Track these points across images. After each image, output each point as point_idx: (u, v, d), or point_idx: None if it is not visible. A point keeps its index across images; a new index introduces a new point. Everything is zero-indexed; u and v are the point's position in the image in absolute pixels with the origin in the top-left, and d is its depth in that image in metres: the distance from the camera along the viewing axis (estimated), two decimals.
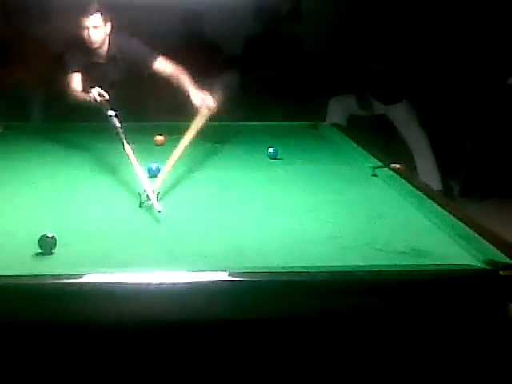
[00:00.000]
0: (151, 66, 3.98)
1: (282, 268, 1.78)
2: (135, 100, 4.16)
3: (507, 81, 5.08)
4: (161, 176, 2.74)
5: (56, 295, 1.65)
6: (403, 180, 2.72)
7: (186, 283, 1.67)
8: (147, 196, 2.45)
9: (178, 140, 3.12)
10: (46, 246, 1.93)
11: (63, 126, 4.13)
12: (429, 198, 2.45)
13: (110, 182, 2.84)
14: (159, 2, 3.65)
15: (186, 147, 3.06)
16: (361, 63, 5.46)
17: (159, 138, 3.55)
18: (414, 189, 2.59)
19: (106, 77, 3.96)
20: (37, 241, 1.93)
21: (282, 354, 1.68)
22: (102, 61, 4.00)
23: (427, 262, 1.89)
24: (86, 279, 1.68)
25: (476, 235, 2.01)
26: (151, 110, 4.47)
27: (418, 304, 1.71)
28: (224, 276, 1.70)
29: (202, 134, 3.32)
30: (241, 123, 4.20)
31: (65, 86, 3.97)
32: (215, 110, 3.59)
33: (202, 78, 3.93)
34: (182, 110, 3.78)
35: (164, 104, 4.80)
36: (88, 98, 3.68)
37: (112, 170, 3.01)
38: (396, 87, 5.41)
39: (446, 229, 2.15)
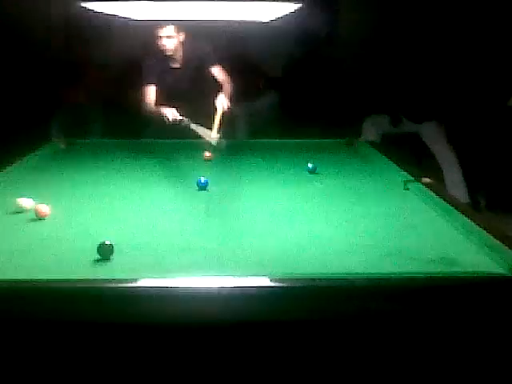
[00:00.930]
0: (210, 69, 4.36)
1: (322, 274, 1.87)
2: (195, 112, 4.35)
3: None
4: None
5: (113, 297, 1.75)
6: (433, 193, 2.77)
7: (231, 288, 1.76)
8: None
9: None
10: (106, 252, 2.06)
11: (120, 142, 4.31)
12: (457, 209, 2.50)
13: (167, 196, 2.96)
14: (205, 25, 3.84)
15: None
16: (394, 85, 5.59)
17: (207, 154, 3.83)
18: (443, 201, 2.64)
19: (178, 82, 4.30)
20: (96, 248, 2.06)
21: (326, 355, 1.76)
22: (176, 65, 4.34)
23: (456, 269, 1.96)
24: (141, 283, 1.80)
25: (502, 245, 2.05)
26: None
27: (447, 309, 1.75)
28: (266, 281, 1.80)
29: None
30: (283, 140, 4.40)
31: (139, 98, 4.26)
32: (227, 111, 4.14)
33: (242, 96, 4.20)
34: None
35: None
36: (161, 115, 4.05)
37: (169, 184, 3.17)
38: (426, 107, 5.50)
39: (474, 239, 2.20)
